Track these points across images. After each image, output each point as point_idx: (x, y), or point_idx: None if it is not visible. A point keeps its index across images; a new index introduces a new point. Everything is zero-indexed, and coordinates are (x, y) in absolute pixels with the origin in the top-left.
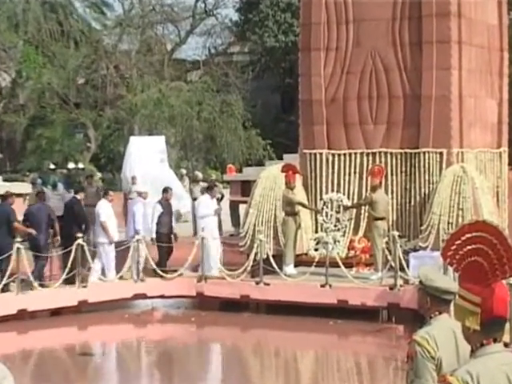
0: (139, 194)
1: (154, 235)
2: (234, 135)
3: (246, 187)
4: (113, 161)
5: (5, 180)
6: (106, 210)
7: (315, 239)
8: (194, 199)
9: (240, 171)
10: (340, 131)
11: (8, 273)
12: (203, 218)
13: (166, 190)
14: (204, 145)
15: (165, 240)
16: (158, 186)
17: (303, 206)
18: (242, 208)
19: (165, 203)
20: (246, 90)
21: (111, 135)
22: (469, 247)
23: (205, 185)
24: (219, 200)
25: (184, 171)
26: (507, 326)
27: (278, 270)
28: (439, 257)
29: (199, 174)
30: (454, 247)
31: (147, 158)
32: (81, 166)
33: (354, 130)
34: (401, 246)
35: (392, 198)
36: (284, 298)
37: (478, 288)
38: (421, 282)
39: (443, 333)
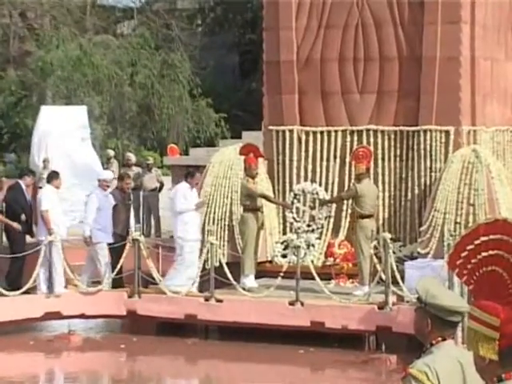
0: (99, 181)
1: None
2: (178, 106)
3: None
4: (18, 138)
5: None
6: (49, 197)
7: (283, 243)
8: None
9: (185, 153)
10: (316, 102)
11: None
12: (181, 215)
13: (121, 178)
14: (138, 118)
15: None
16: (78, 171)
17: (267, 199)
18: None
19: (120, 194)
20: (193, 48)
21: (16, 104)
22: (484, 254)
23: (138, 171)
24: (158, 190)
25: (112, 153)
26: None
27: (233, 282)
28: (444, 266)
29: (132, 157)
30: (465, 254)
31: (63, 135)
32: None
33: (334, 102)
34: (394, 253)
35: (383, 189)
36: (241, 319)
37: (497, 306)
38: (419, 298)
39: (447, 364)
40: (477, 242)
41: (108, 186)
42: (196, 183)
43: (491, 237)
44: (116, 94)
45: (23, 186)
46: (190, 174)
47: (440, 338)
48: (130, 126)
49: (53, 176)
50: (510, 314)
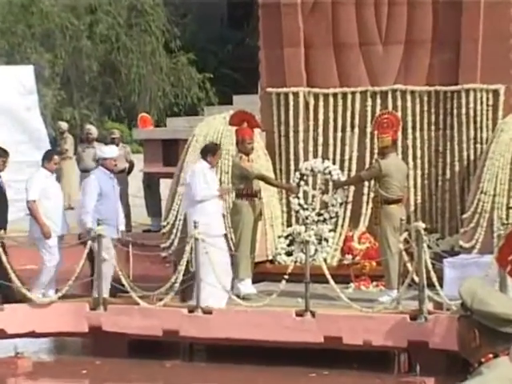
0: (104, 159)
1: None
2: (151, 64)
3: (170, 151)
4: None
5: None
6: (39, 184)
7: (287, 237)
8: (84, 171)
9: (160, 124)
10: (328, 57)
11: None
12: (201, 204)
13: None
14: (100, 80)
15: None
16: (23, 149)
17: (266, 181)
18: (166, 186)
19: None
20: None
21: None
22: None
23: (103, 149)
24: (127, 172)
25: (65, 125)
26: None
27: (226, 288)
28: (493, 263)
29: (92, 130)
30: None
31: (4, 102)
32: None
33: (350, 56)
34: (429, 247)
35: (414, 167)
36: (236, 335)
37: None
38: (464, 305)
39: None
40: None
41: (115, 166)
42: (217, 162)
43: None
44: (71, 49)
45: None
46: (210, 150)
47: (491, 355)
48: (90, 91)
49: (46, 156)
50: None
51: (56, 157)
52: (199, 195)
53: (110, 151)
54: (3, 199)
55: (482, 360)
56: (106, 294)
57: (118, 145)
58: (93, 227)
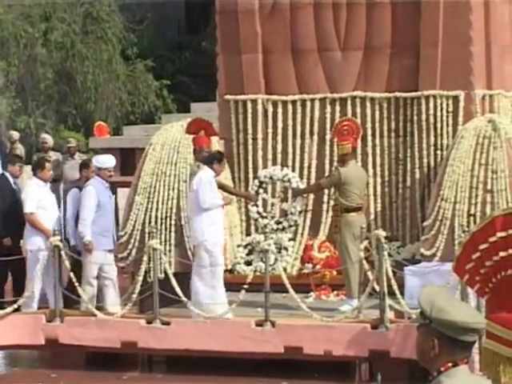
0: (99, 169)
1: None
2: (107, 72)
3: (127, 160)
4: None
5: None
6: (35, 195)
7: (246, 246)
8: None
9: (117, 133)
10: (286, 63)
11: None
12: (207, 213)
13: (85, 165)
14: (56, 89)
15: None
16: None
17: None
18: (123, 195)
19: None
20: None
21: None
22: (503, 254)
23: (56, 157)
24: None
25: (16, 135)
26: None
27: (184, 298)
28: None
29: (48, 139)
30: (477, 255)
31: None
32: None
33: (309, 62)
34: (390, 256)
35: (374, 174)
36: (195, 347)
37: None
38: (423, 313)
39: None
40: (492, 239)
41: (111, 176)
42: (221, 171)
43: (511, 231)
44: (26, 57)
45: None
46: (216, 158)
47: (450, 364)
48: (45, 99)
49: (38, 165)
50: None
51: (48, 164)
52: (207, 203)
53: (105, 161)
54: (16, 205)
55: (441, 369)
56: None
57: (74, 154)
58: (91, 239)
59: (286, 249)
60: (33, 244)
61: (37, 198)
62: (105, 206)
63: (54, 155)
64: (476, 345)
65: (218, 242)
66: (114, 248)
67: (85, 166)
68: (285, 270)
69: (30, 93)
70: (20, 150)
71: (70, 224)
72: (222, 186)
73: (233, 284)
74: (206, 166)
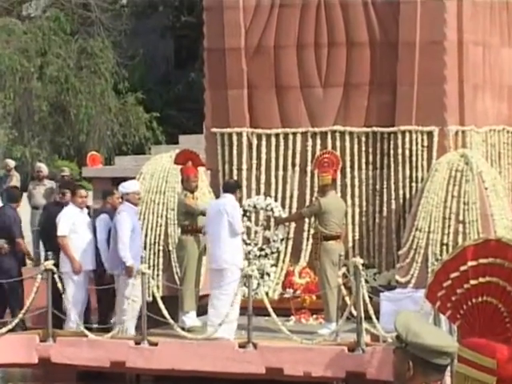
0: (127, 194)
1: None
2: (100, 105)
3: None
4: None
5: None
6: (69, 219)
7: None
8: (34, 208)
9: (109, 163)
10: (270, 99)
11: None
12: (236, 238)
13: (111, 193)
14: (50, 120)
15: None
16: None
17: None
18: None
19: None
20: (118, 33)
21: None
22: (473, 282)
23: (51, 185)
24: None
25: (12, 163)
26: None
27: (170, 320)
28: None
29: (43, 168)
30: (448, 283)
31: None
32: None
33: (291, 98)
34: (367, 282)
35: (352, 204)
36: (181, 367)
37: (491, 345)
38: (398, 337)
39: None
40: (463, 267)
41: (140, 199)
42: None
43: (481, 261)
44: (22, 90)
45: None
46: (238, 186)
47: None
48: (40, 130)
49: (72, 192)
50: (509, 352)
51: (82, 191)
52: (241, 229)
53: (131, 186)
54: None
55: None
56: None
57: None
58: (133, 264)
59: (268, 274)
60: (68, 267)
61: (70, 222)
62: (136, 230)
63: (48, 183)
64: (448, 368)
65: (239, 265)
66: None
67: (109, 193)
68: (267, 294)
69: (25, 124)
70: (16, 177)
71: (102, 250)
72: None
73: None
74: (229, 194)
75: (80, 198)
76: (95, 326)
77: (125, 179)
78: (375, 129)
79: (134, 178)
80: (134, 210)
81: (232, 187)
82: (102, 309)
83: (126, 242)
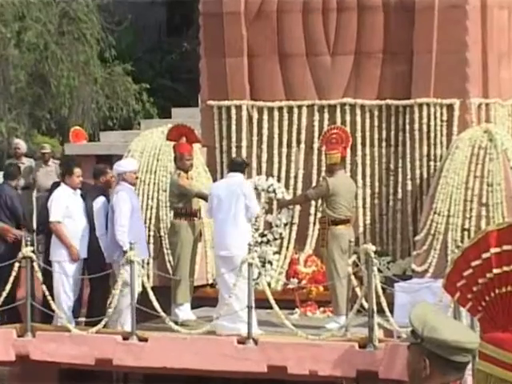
0: (124, 174)
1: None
2: (84, 75)
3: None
4: None
5: None
6: (62, 203)
7: None
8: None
9: (94, 139)
10: (273, 69)
11: None
12: (249, 223)
13: (103, 172)
14: (29, 92)
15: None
16: None
17: (207, 200)
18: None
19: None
20: None
21: None
22: (497, 271)
23: (29, 164)
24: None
25: None
26: None
27: (162, 313)
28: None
29: (21, 144)
30: (469, 272)
31: None
32: None
33: (297, 67)
34: (380, 271)
35: (364, 186)
36: (173, 364)
37: None
38: (414, 332)
39: None
40: (485, 255)
41: (137, 178)
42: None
43: (505, 247)
44: None
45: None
46: (247, 164)
47: None
48: (18, 103)
49: (67, 171)
50: None
51: (77, 169)
52: (257, 211)
53: (128, 164)
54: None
55: None
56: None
57: (48, 160)
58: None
59: (270, 263)
60: (59, 255)
61: (63, 206)
62: (137, 211)
63: (26, 161)
64: (469, 366)
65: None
66: (147, 257)
67: (101, 173)
68: (269, 284)
69: (1, 96)
70: None
71: (102, 237)
72: (203, 196)
73: (214, 299)
74: (239, 174)
75: (77, 178)
76: (83, 319)
77: (111, 157)
78: (389, 101)
79: (121, 155)
80: (132, 189)
81: (241, 166)
82: (93, 301)
83: (124, 224)
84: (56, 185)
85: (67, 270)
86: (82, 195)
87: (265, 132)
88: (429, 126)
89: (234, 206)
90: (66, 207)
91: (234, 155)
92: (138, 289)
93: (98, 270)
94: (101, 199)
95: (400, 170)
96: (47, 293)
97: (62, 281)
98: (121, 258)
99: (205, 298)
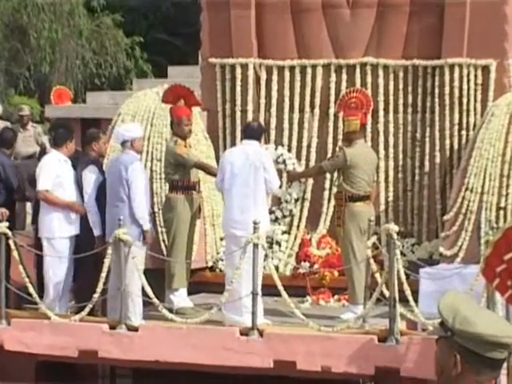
0: (131, 141)
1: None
2: (68, 26)
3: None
4: None
5: None
6: (52, 171)
7: None
8: None
9: (79, 100)
10: (284, 23)
11: None
12: (266, 199)
13: (94, 137)
14: (6, 46)
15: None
16: None
17: (207, 171)
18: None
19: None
20: None
21: None
22: None
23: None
24: (38, 158)
25: None
26: None
27: (155, 300)
28: (479, 276)
29: None
30: (510, 256)
31: None
32: None
33: (311, 21)
34: (403, 255)
35: (386, 157)
36: (167, 358)
37: None
38: (443, 324)
39: None
40: None
41: (142, 146)
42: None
43: None
44: None
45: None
46: (263, 130)
47: None
48: None
49: (62, 137)
50: None
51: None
52: (277, 186)
53: (136, 129)
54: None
55: None
56: (137, 321)
57: (26, 124)
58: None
59: (278, 244)
60: (48, 231)
61: (54, 174)
62: (146, 185)
63: (2, 124)
64: (504, 364)
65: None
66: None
67: (93, 138)
68: (277, 268)
69: None
70: None
71: (91, 209)
72: (203, 167)
73: (214, 284)
74: (255, 141)
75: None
76: (72, 304)
77: (98, 121)
78: (416, 62)
79: (110, 119)
80: (139, 159)
81: (257, 132)
82: (83, 284)
83: (143, 200)
84: (42, 153)
85: (58, 248)
86: (72, 165)
87: (274, 95)
88: (461, 90)
89: (253, 179)
90: (57, 176)
91: (238, 121)
92: (126, 272)
93: (90, 249)
94: (92, 168)
95: (427, 139)
96: (24, 274)
97: (51, 260)
98: (139, 238)
99: (203, 282)
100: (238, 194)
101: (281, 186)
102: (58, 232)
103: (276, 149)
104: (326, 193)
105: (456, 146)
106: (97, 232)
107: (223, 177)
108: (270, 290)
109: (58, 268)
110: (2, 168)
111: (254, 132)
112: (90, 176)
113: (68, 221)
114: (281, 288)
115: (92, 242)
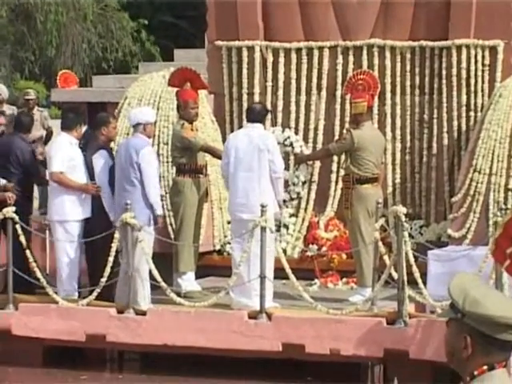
0: (146, 125)
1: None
2: (74, 10)
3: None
4: None
5: None
6: (65, 153)
7: None
8: None
9: (85, 84)
10: (290, 4)
11: None
12: (271, 184)
13: (105, 121)
14: (11, 29)
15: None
16: None
17: (214, 154)
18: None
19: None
20: None
21: None
22: None
23: (11, 112)
24: (44, 142)
25: None
26: None
27: (163, 284)
28: (488, 258)
29: (2, 90)
30: None
31: None
32: None
33: (318, 3)
34: (411, 237)
35: (394, 139)
36: (175, 342)
37: None
38: (454, 306)
39: None
40: None
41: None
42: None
43: None
44: None
45: None
46: (268, 111)
47: (486, 367)
48: None
49: (73, 120)
50: None
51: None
52: (282, 169)
53: (150, 114)
54: None
55: (475, 373)
56: (145, 305)
57: (32, 108)
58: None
59: (286, 226)
60: (61, 214)
61: (66, 155)
62: (157, 169)
63: (8, 109)
64: None
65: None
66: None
67: (104, 122)
68: (284, 251)
69: None
70: None
71: (106, 194)
72: (209, 150)
73: (221, 268)
74: (259, 124)
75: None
76: (86, 289)
77: (105, 104)
78: (423, 43)
79: (116, 103)
80: (150, 143)
81: (260, 114)
82: (96, 269)
83: (156, 185)
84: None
85: (71, 232)
86: (81, 147)
87: (281, 77)
88: (468, 71)
89: (258, 162)
90: (71, 158)
91: (244, 104)
92: (133, 256)
93: (102, 232)
94: (103, 153)
95: (435, 121)
96: (31, 259)
97: (64, 244)
98: (149, 223)
99: (211, 266)
100: (242, 177)
101: (288, 169)
102: (71, 215)
103: (283, 131)
104: (334, 175)
105: (464, 128)
106: (112, 216)
107: (228, 160)
108: (278, 273)
109: (70, 251)
110: (21, 153)
111: (257, 114)
112: (101, 161)
113: (80, 203)
114: (289, 271)
115: (104, 225)
